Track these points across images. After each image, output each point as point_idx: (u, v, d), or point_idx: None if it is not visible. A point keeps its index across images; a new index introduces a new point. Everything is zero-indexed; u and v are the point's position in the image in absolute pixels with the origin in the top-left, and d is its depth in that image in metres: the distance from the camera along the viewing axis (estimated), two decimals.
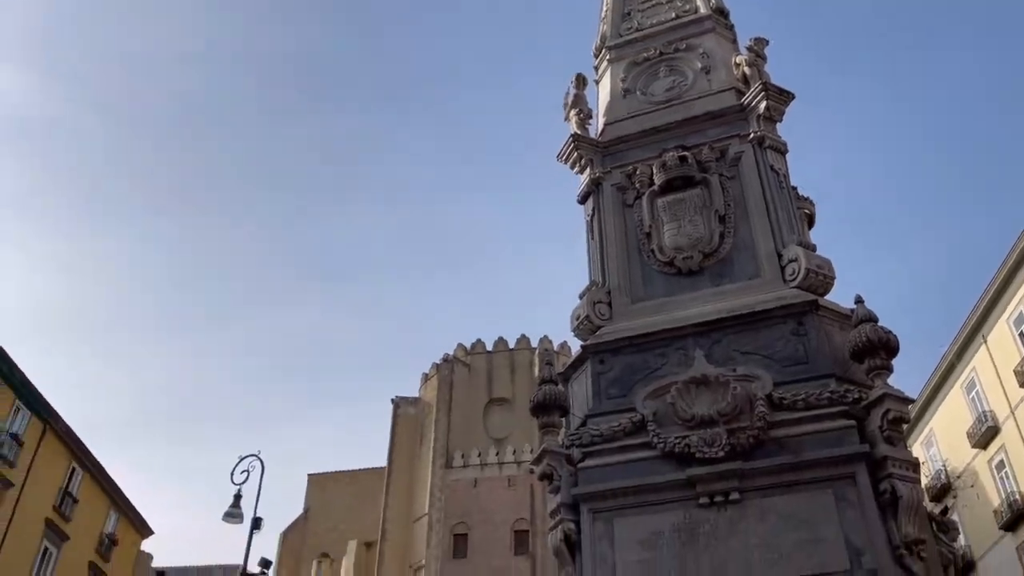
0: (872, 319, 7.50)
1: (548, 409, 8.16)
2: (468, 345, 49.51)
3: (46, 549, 34.20)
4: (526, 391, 45.13)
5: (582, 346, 8.84)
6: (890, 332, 7.40)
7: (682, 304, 8.69)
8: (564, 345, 45.47)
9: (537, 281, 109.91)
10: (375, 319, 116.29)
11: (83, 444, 36.64)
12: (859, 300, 7.71)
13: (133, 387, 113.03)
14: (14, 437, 32.17)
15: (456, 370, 47.40)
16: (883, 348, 7.32)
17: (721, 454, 7.17)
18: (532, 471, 35.94)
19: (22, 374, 32.16)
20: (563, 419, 8.34)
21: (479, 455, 43.09)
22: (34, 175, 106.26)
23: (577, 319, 9.05)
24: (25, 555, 32.66)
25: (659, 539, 7.10)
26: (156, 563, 45.66)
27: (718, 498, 7.08)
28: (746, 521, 6.95)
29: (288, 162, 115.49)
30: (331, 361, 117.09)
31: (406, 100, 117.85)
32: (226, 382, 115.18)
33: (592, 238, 9.76)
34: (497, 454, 42.84)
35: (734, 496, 7.05)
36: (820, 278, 8.34)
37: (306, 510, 55.26)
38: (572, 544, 7.45)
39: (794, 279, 8.36)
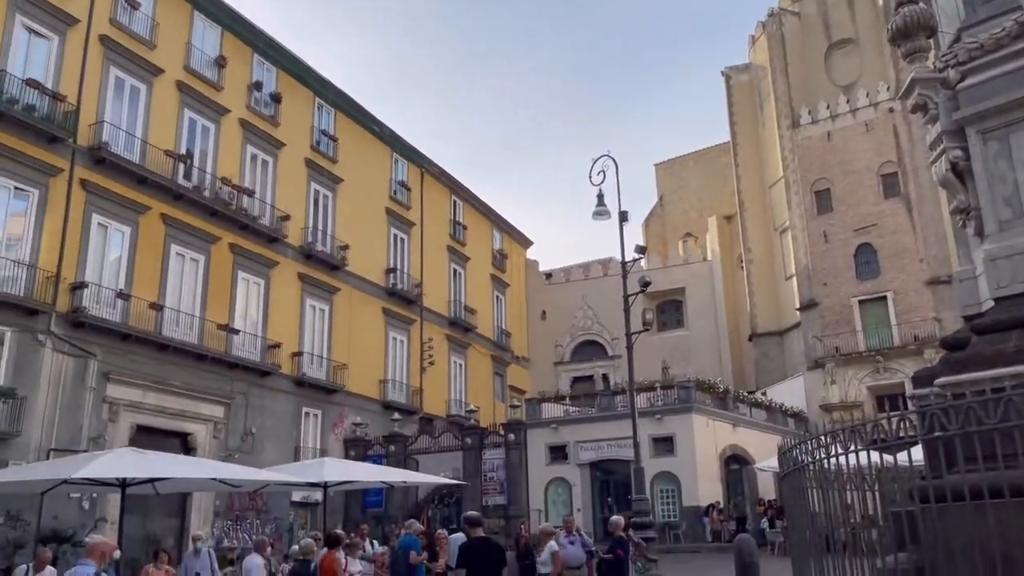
0: None
1: (911, 33, 7.30)
2: None
3: (455, 270, 40.26)
4: (871, 24, 40.50)
5: None
6: None
7: None
8: None
9: None
10: None
11: (456, 179, 41.18)
12: None
13: (486, 125, 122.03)
14: (403, 184, 37.08)
15: (785, 22, 43.69)
16: None
17: None
18: (892, 110, 33.03)
19: (391, 130, 36.29)
20: (930, 41, 7.45)
21: (827, 107, 40.54)
22: None
23: None
24: (440, 276, 38.80)
25: None
26: (542, 268, 51.68)
27: None
28: None
29: None
30: (658, 39, 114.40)
31: None
32: (566, 91, 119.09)
33: None
34: (847, 101, 39.95)
35: None
36: None
37: (660, 198, 57.58)
38: (959, 172, 6.97)
39: None
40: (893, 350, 36.54)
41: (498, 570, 8.23)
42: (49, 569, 12.37)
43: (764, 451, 27.64)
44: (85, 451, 19.63)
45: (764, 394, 37.27)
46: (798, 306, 39.96)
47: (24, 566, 11.57)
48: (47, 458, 19.75)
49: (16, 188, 21.13)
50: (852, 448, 7.28)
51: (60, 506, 19.61)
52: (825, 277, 39.05)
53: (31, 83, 21.53)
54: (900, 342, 36.62)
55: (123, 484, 13.56)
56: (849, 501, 7.84)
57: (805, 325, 39.34)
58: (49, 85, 22.09)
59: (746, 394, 35.14)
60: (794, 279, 40.87)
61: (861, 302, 38.27)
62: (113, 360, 22.56)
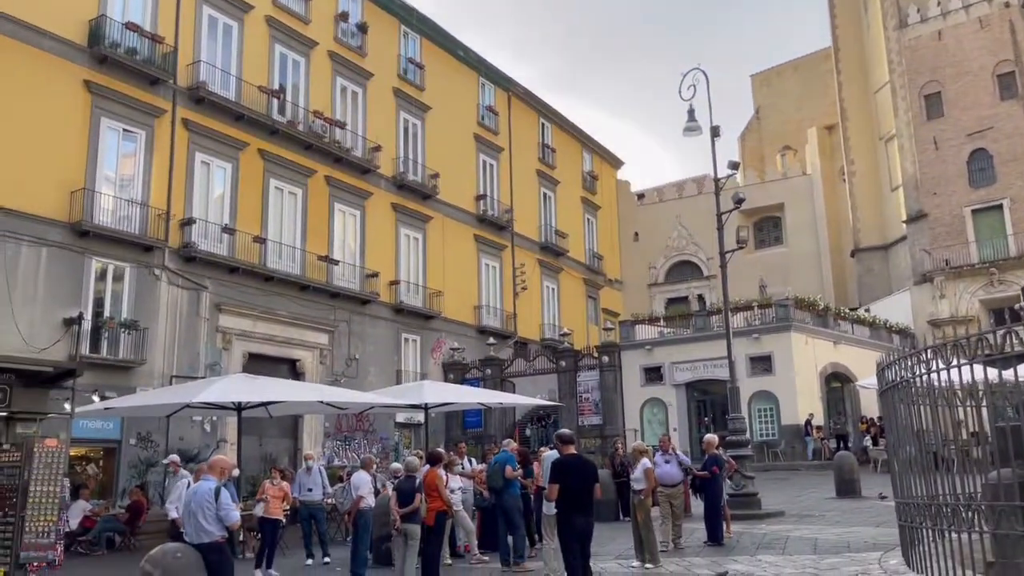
0: None
1: None
2: None
3: (545, 194, 40.15)
4: None
5: None
6: None
7: None
8: None
9: None
10: None
11: (543, 101, 40.70)
12: None
13: (571, 43, 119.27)
14: (490, 109, 36.88)
15: None
16: None
17: None
18: (1009, 4, 30.72)
19: (477, 54, 36.00)
20: None
21: (938, 3, 37.79)
22: None
23: None
24: (530, 201, 38.81)
25: None
26: (634, 189, 50.89)
27: None
28: None
29: None
30: None
31: None
32: (654, 3, 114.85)
33: None
34: None
35: None
36: None
37: (757, 110, 55.39)
38: None
39: None
40: (1009, 261, 34.70)
41: (589, 485, 8.45)
42: (183, 471, 14.08)
43: (867, 369, 26.99)
44: (203, 377, 20.96)
45: (867, 311, 36.17)
46: (905, 218, 38.25)
47: (186, 480, 12.83)
48: (169, 384, 21.18)
49: (124, 130, 22.12)
50: (954, 363, 7.09)
51: (184, 428, 21.08)
52: (934, 186, 37.13)
53: (131, 27, 22.27)
54: (1017, 252, 34.72)
55: (239, 408, 14.47)
56: (954, 417, 7.68)
57: (912, 238, 37.70)
58: (147, 27, 22.79)
59: (848, 311, 34.19)
60: (900, 190, 39.03)
61: (974, 211, 36.31)
62: (223, 292, 23.74)
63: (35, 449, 9.91)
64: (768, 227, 46.42)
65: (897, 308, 36.69)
